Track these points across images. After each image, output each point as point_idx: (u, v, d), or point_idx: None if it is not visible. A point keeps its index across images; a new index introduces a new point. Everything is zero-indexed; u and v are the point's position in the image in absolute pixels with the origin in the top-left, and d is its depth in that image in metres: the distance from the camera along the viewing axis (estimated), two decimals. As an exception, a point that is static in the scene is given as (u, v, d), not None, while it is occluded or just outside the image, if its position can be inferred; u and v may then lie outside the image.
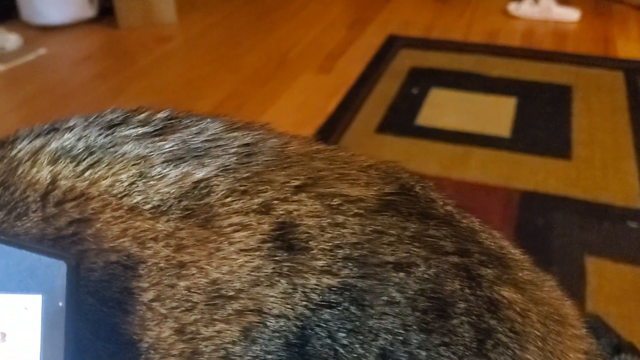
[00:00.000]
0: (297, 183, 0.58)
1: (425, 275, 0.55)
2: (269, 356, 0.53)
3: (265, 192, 0.57)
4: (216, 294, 0.53)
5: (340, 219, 0.57)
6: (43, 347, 0.40)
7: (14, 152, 0.61)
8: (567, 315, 0.63)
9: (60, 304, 0.41)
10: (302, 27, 2.81)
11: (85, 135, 0.61)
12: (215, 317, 0.53)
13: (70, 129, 0.62)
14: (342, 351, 0.53)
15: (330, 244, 0.55)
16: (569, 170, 1.73)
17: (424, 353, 0.53)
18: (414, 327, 0.54)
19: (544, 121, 1.97)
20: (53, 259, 0.41)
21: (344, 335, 0.53)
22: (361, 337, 0.53)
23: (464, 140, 1.88)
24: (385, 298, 0.54)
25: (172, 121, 0.62)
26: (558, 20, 2.73)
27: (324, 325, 0.53)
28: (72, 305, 0.41)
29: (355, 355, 0.53)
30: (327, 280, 0.54)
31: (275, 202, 0.56)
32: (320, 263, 0.54)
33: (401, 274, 0.55)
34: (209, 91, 2.24)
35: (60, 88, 2.32)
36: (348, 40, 2.63)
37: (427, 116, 2.01)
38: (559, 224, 1.52)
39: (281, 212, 0.56)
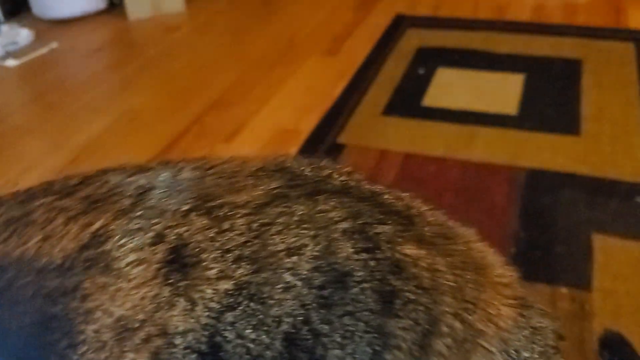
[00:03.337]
0: (187, 207, 0.62)
1: (315, 253, 0.58)
2: None
3: (158, 223, 0.60)
4: (122, 329, 0.56)
5: (227, 225, 0.60)
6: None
7: None
8: (489, 265, 0.66)
9: None
10: (309, 11, 2.79)
11: (5, 212, 0.66)
12: (125, 349, 0.56)
13: (1, 204, 0.68)
14: (252, 346, 0.56)
15: (220, 251, 0.58)
16: (577, 147, 1.70)
17: (327, 327, 0.56)
18: (313, 304, 0.57)
19: (552, 97, 1.94)
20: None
21: (250, 331, 0.56)
22: (265, 328, 0.56)
23: (470, 120, 1.86)
24: (281, 285, 0.57)
25: (80, 184, 0.68)
26: (569, -8, 2.68)
27: (231, 328, 0.56)
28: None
29: (263, 345, 0.56)
30: (223, 285, 0.57)
31: (167, 230, 0.60)
32: (214, 271, 0.58)
33: (293, 258, 0.58)
34: (217, 78, 2.25)
35: (72, 81, 2.35)
36: (355, 22, 2.61)
37: (434, 96, 2.00)
38: (566, 201, 1.50)
39: (173, 237, 0.60)
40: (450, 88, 2.04)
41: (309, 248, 0.59)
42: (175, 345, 0.56)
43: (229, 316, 0.56)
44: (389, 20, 2.57)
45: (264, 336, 0.56)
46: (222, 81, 2.23)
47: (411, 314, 0.58)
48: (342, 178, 0.69)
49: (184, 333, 0.56)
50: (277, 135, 1.87)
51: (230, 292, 0.57)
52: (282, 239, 0.59)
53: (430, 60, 2.22)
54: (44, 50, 2.57)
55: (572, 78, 2.04)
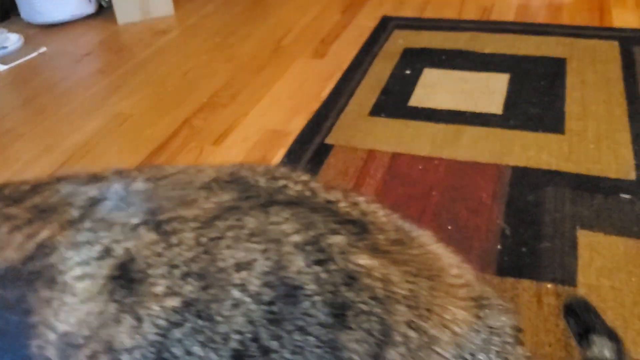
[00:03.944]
0: (136, 221, 0.60)
1: (265, 268, 0.57)
2: None
3: (105, 237, 0.59)
4: (67, 345, 0.55)
5: (175, 240, 0.59)
6: None
7: None
8: (444, 267, 0.65)
9: None
10: (296, 13, 2.81)
11: None
12: None
13: None
14: None
15: (167, 267, 0.57)
16: (562, 145, 1.73)
17: (276, 343, 0.56)
18: (262, 320, 0.56)
19: (537, 96, 1.97)
20: None
21: (198, 348, 0.55)
22: (213, 345, 0.55)
23: (456, 119, 1.88)
24: (229, 302, 0.56)
25: (31, 192, 0.66)
26: (554, -8, 2.71)
27: (178, 345, 0.55)
28: None
29: None
30: (170, 302, 0.56)
31: (115, 244, 0.59)
32: (161, 288, 0.57)
33: (242, 274, 0.57)
34: (205, 81, 2.26)
35: (62, 85, 2.35)
36: (342, 24, 2.63)
37: (420, 97, 2.02)
38: (551, 198, 1.52)
39: (120, 252, 0.58)
40: (436, 88, 2.06)
41: (258, 263, 0.58)
42: None
43: (176, 333, 0.56)
44: (376, 22, 2.59)
45: (212, 353, 0.56)
46: (210, 84, 2.24)
47: (364, 325, 0.57)
48: (298, 188, 0.67)
49: (130, 350, 0.55)
50: (266, 136, 1.88)
51: (177, 309, 0.56)
52: (231, 253, 0.58)
53: (416, 61, 2.24)
54: (33, 55, 2.58)
55: (557, 77, 2.07)
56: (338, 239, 0.60)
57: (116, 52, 2.64)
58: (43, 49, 2.62)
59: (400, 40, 2.41)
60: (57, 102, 2.21)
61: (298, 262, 0.58)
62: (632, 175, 1.59)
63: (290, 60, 2.37)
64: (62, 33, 2.80)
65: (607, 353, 0.89)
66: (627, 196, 1.52)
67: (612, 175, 1.59)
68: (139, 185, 0.65)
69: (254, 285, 0.57)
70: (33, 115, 2.14)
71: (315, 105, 2.02)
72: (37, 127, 2.06)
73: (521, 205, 1.51)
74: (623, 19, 2.43)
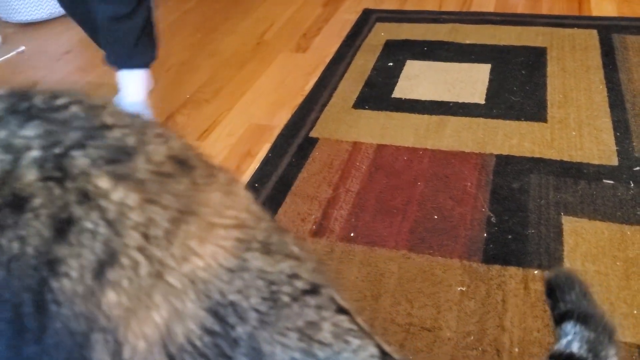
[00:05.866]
0: None
1: None
2: None
3: None
4: None
5: None
6: None
7: None
8: (210, 207, 0.64)
9: None
10: (278, 7, 2.81)
11: None
12: None
13: None
14: None
15: None
16: (544, 132, 1.74)
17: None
18: None
19: (518, 85, 1.98)
20: None
21: None
22: None
23: (440, 110, 1.89)
24: None
25: None
26: (533, -18, 2.72)
27: None
28: None
29: None
30: None
31: None
32: None
33: None
34: (188, 77, 2.26)
35: (42, 84, 2.33)
36: (324, 18, 2.63)
37: (403, 88, 2.03)
38: (535, 185, 1.54)
39: None
40: (419, 80, 2.07)
41: None
42: None
43: None
44: (357, 15, 2.60)
45: None
46: (193, 79, 2.24)
47: (86, 242, 0.58)
48: (76, 109, 0.65)
49: None
50: (250, 131, 1.88)
51: None
52: None
53: (398, 53, 2.25)
54: (12, 54, 2.55)
55: (538, 66, 2.08)
56: (84, 162, 0.60)
57: (97, 49, 2.61)
58: (22, 48, 2.59)
59: (382, 33, 2.41)
60: (38, 101, 2.20)
61: (30, 175, 0.59)
62: (615, 161, 1.61)
63: (273, 54, 2.37)
64: (41, 31, 2.77)
65: (575, 346, 0.70)
66: (610, 182, 1.54)
67: (595, 161, 1.61)
68: None
69: None
70: (14, 115, 2.12)
71: (299, 99, 2.02)
72: (18, 127, 2.04)
73: (506, 193, 1.52)
74: (601, 7, 2.46)
